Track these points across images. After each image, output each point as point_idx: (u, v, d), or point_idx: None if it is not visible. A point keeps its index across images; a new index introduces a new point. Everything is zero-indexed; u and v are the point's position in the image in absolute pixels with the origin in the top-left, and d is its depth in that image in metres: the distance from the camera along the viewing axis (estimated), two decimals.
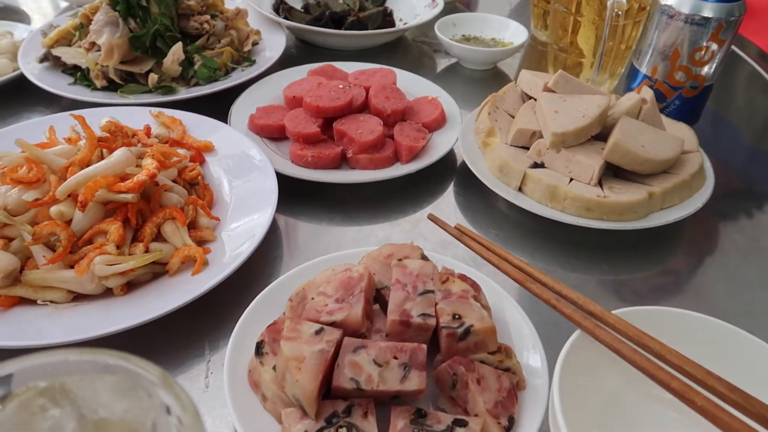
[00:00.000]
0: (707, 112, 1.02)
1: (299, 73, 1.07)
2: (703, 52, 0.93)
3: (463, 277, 0.62)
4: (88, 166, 0.71)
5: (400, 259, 0.63)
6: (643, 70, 1.00)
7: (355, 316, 0.56)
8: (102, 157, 0.73)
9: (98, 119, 0.83)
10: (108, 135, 0.79)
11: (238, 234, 0.74)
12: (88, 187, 0.67)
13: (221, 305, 0.69)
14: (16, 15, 1.39)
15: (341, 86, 0.93)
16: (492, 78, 1.23)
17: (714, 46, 0.92)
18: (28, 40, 1.12)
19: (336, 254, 0.69)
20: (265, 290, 0.64)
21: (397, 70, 1.06)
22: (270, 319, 0.60)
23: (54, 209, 0.67)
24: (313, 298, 0.59)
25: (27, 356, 0.31)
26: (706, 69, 0.95)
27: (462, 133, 0.92)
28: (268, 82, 1.05)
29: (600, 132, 0.84)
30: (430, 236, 0.81)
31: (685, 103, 0.99)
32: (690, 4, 0.90)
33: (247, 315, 0.62)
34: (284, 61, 1.15)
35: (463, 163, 0.90)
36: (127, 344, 0.64)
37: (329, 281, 0.60)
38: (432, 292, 0.59)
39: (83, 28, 1.05)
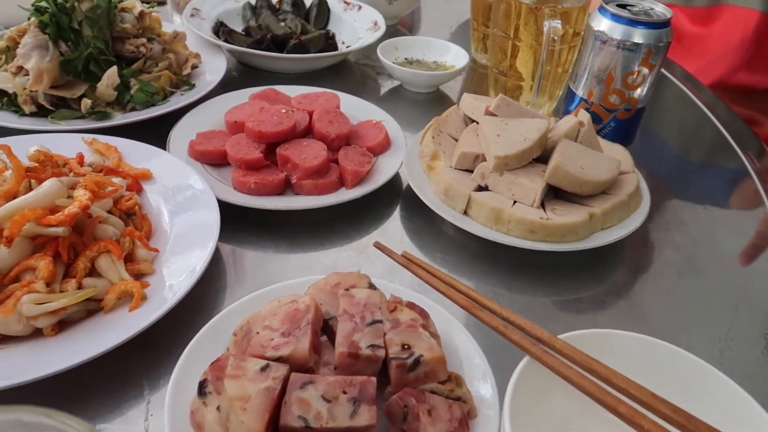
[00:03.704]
0: (641, 131, 1.06)
1: (241, 97, 1.05)
2: (635, 76, 0.96)
3: (411, 305, 0.61)
4: (14, 198, 0.67)
5: (347, 289, 0.61)
6: (580, 93, 1.03)
7: (302, 351, 0.54)
8: (30, 189, 0.69)
9: (27, 147, 0.79)
10: (36, 165, 0.75)
11: (179, 266, 0.71)
12: (14, 220, 0.63)
13: (162, 342, 0.66)
14: None
15: (284, 111, 0.92)
16: (435, 100, 1.24)
17: (645, 70, 0.96)
18: None
19: (281, 284, 0.67)
20: (207, 325, 0.62)
21: (340, 94, 1.05)
22: (214, 355, 0.57)
23: None
24: (258, 333, 0.57)
25: None
26: (638, 92, 0.99)
27: (407, 156, 0.92)
28: (209, 106, 1.03)
29: (541, 154, 0.85)
30: (377, 262, 0.80)
31: (620, 124, 1.02)
32: (621, 31, 0.94)
33: (188, 352, 0.59)
34: (226, 84, 1.13)
35: (409, 187, 0.90)
36: (59, 388, 0.60)
37: (275, 314, 0.58)
38: (380, 322, 0.58)
39: (10, 51, 1.00)
